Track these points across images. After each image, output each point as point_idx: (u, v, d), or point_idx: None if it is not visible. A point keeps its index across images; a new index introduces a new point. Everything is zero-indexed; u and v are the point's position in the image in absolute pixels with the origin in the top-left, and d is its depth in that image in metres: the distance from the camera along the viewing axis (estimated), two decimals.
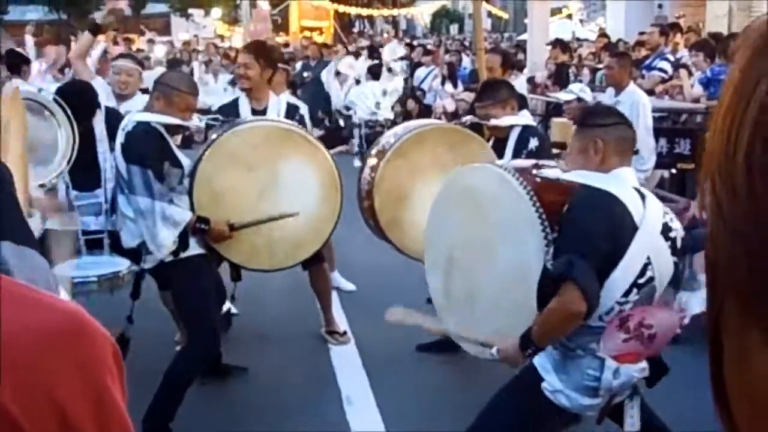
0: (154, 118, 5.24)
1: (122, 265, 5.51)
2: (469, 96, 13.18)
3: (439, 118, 17.06)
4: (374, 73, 15.82)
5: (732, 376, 0.61)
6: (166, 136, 5.29)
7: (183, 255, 5.22)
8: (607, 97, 8.72)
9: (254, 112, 6.18)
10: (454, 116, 15.98)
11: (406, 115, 18.02)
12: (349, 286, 7.70)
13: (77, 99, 6.00)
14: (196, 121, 5.63)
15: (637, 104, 8.19)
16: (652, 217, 3.47)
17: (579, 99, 9.82)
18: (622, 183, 3.54)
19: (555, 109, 11.16)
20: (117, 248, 5.69)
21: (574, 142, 3.75)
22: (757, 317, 0.56)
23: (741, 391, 0.60)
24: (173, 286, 5.42)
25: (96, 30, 7.17)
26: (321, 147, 5.67)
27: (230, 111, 6.13)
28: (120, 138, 5.26)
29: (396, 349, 6.29)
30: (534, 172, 3.82)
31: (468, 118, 6.07)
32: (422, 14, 54.41)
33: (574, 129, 3.87)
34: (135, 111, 5.63)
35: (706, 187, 0.59)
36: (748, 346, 0.58)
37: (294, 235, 5.54)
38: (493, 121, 5.68)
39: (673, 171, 9.42)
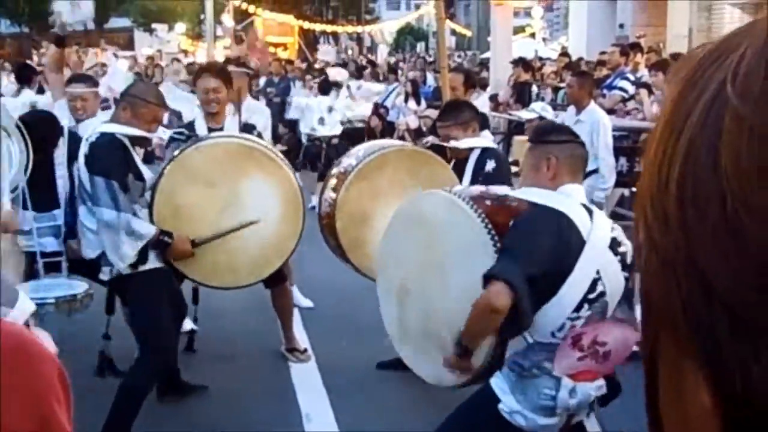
0: (119, 130, 5.22)
1: (80, 288, 5.47)
2: (433, 113, 13.24)
3: (402, 136, 17.12)
4: (324, 88, 15.73)
5: (667, 403, 0.62)
6: (130, 148, 5.26)
7: (141, 268, 5.19)
8: (568, 116, 8.79)
9: (210, 130, 6.14)
10: (417, 133, 16.00)
11: (370, 132, 18.07)
12: (307, 302, 7.68)
13: (40, 130, 5.98)
14: (161, 134, 5.60)
15: (598, 123, 8.26)
16: (599, 231, 3.49)
17: (541, 118, 9.89)
18: (570, 199, 3.56)
19: (517, 128, 11.28)
20: (74, 263, 5.66)
21: (527, 159, 3.77)
22: (690, 348, 0.57)
23: (676, 418, 0.61)
24: (129, 298, 5.40)
25: (60, 41, 7.15)
26: (284, 164, 5.65)
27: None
28: (84, 148, 5.23)
29: (356, 366, 6.28)
30: (484, 194, 3.82)
31: (429, 140, 6.11)
32: (382, 31, 54.49)
33: (528, 146, 3.89)
34: (99, 121, 5.60)
35: (639, 223, 0.60)
36: (683, 376, 0.58)
37: (255, 252, 5.52)
38: (453, 143, 5.70)
39: (633, 189, 9.50)
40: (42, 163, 5.86)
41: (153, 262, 5.23)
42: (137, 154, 5.39)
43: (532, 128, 9.86)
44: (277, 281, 6.14)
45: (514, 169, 9.51)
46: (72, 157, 6.02)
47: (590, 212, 3.54)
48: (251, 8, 42.60)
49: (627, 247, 3.56)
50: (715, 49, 0.59)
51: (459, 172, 5.67)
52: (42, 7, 41.23)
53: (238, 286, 5.69)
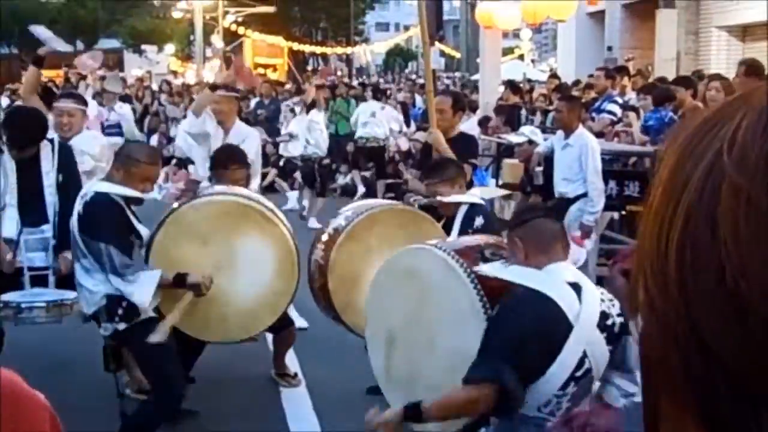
0: (114, 190, 5.19)
1: (69, 294, 5.49)
2: (422, 136, 13.26)
3: (393, 157, 17.19)
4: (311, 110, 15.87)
5: None
6: (125, 208, 5.25)
7: (136, 320, 5.18)
8: (556, 140, 8.83)
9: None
10: (407, 155, 16.07)
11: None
12: (302, 322, 7.68)
13: (23, 123, 6.00)
14: (155, 194, 5.63)
15: (587, 147, 8.30)
16: (588, 311, 3.48)
17: (530, 141, 9.97)
18: (556, 279, 3.54)
19: (506, 151, 11.28)
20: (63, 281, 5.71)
21: (506, 246, 3.81)
22: (691, 412, 0.58)
23: None
24: (134, 351, 5.46)
25: (39, 62, 7.17)
26: (279, 222, 5.68)
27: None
28: (78, 206, 5.18)
29: (347, 391, 6.27)
30: (475, 267, 3.81)
31: (416, 199, 6.13)
32: (365, 52, 54.53)
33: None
34: (94, 180, 5.60)
35: (639, 288, 0.61)
36: None
37: (248, 308, 5.57)
38: (440, 198, 5.72)
39: (623, 212, 9.55)
40: (28, 172, 5.88)
41: (147, 313, 5.21)
42: (131, 213, 5.35)
43: (522, 151, 9.95)
44: (282, 326, 6.19)
45: (503, 192, 9.58)
46: (60, 170, 6.04)
47: (578, 290, 3.53)
48: (241, 30, 42.73)
49: (614, 318, 3.56)
50: (712, 118, 0.61)
51: (446, 228, 5.68)
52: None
53: (230, 341, 5.76)
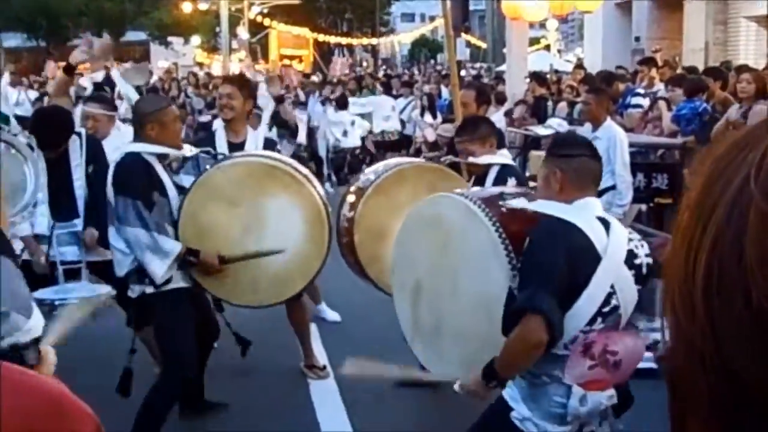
0: (145, 148, 5.25)
1: (102, 289, 5.53)
2: (447, 127, 13.22)
3: (420, 149, 17.19)
4: (341, 103, 15.91)
5: None
6: (156, 165, 5.29)
7: (165, 288, 5.22)
8: (584, 132, 8.78)
9: (231, 144, 6.18)
10: (434, 146, 16.05)
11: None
12: (334, 316, 7.72)
13: (50, 123, 6.05)
14: (187, 151, 5.61)
15: (614, 139, 8.25)
16: (616, 245, 3.47)
17: (557, 134, 9.91)
18: (585, 213, 3.53)
19: (533, 142, 11.24)
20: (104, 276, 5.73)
21: (540, 171, 3.77)
22: (715, 429, 0.59)
23: None
24: (155, 317, 5.41)
25: (70, 70, 7.19)
26: (307, 183, 5.60)
27: (207, 144, 6.07)
28: (111, 169, 5.27)
29: (375, 383, 6.29)
30: (499, 202, 3.82)
31: (447, 158, 6.10)
32: (393, 43, 54.33)
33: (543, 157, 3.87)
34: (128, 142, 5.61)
35: (666, 309, 0.62)
36: None
37: (279, 272, 5.51)
38: (471, 159, 5.68)
39: (651, 205, 9.51)
40: (57, 168, 5.93)
41: (178, 282, 5.27)
42: (165, 171, 5.38)
43: (548, 143, 9.90)
44: (292, 297, 6.19)
45: (531, 184, 9.55)
46: (89, 162, 6.08)
47: (607, 225, 3.53)
48: (266, 21, 42.77)
49: (643, 258, 3.56)
50: (739, 142, 0.62)
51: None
52: (59, 21, 41.50)
53: (260, 305, 5.71)
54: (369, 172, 5.87)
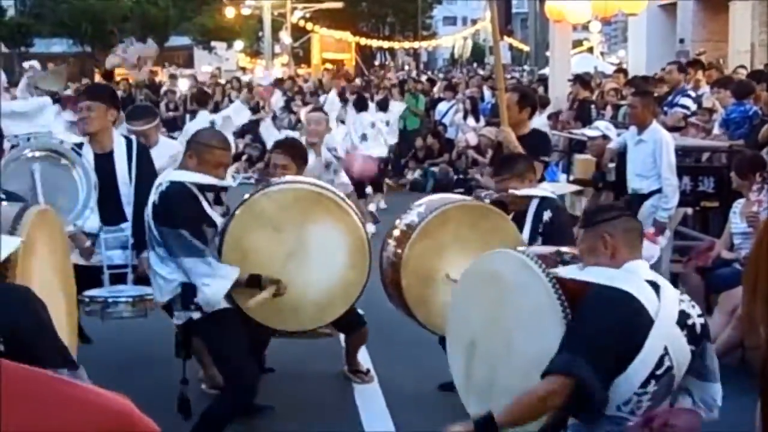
0: (189, 178, 5.17)
1: (150, 289, 5.54)
2: (490, 131, 13.20)
3: (462, 152, 17.19)
4: (360, 106, 14.88)
5: None
6: (199, 196, 5.23)
7: (212, 310, 5.17)
8: (630, 136, 8.75)
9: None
10: (476, 150, 16.05)
11: (428, 151, 18.13)
12: None
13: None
14: (230, 181, 5.62)
15: (660, 143, 8.22)
16: (667, 308, 3.46)
17: (604, 136, 9.87)
18: (635, 277, 3.52)
19: (577, 146, 11.18)
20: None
21: (581, 245, 3.74)
22: None
23: None
24: (207, 341, 5.41)
25: (109, 76, 7.27)
26: (352, 211, 5.59)
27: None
28: (153, 196, 5.17)
29: (419, 387, 6.30)
30: (556, 259, 3.82)
31: (488, 194, 6.13)
32: (463, 45, 53.97)
33: (581, 232, 3.83)
34: (169, 169, 5.57)
35: (757, 320, 0.62)
36: None
37: (321, 296, 5.48)
38: (511, 191, 5.72)
39: (697, 209, 9.43)
40: (104, 172, 5.99)
41: (222, 303, 5.18)
42: (207, 201, 5.33)
43: (595, 146, 9.85)
44: (353, 328, 6.28)
45: (574, 187, 9.51)
46: (137, 166, 6.13)
47: (657, 288, 3.50)
48: (308, 25, 43.01)
49: (695, 318, 3.53)
50: None
51: (517, 223, 5.67)
52: (104, 26, 41.96)
53: (301, 329, 5.71)
54: (413, 212, 5.80)
